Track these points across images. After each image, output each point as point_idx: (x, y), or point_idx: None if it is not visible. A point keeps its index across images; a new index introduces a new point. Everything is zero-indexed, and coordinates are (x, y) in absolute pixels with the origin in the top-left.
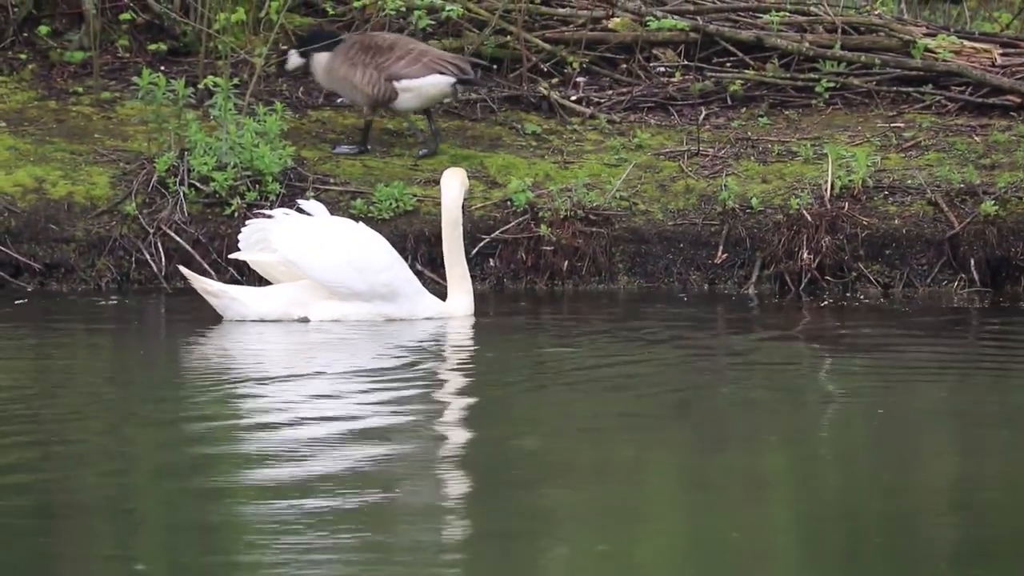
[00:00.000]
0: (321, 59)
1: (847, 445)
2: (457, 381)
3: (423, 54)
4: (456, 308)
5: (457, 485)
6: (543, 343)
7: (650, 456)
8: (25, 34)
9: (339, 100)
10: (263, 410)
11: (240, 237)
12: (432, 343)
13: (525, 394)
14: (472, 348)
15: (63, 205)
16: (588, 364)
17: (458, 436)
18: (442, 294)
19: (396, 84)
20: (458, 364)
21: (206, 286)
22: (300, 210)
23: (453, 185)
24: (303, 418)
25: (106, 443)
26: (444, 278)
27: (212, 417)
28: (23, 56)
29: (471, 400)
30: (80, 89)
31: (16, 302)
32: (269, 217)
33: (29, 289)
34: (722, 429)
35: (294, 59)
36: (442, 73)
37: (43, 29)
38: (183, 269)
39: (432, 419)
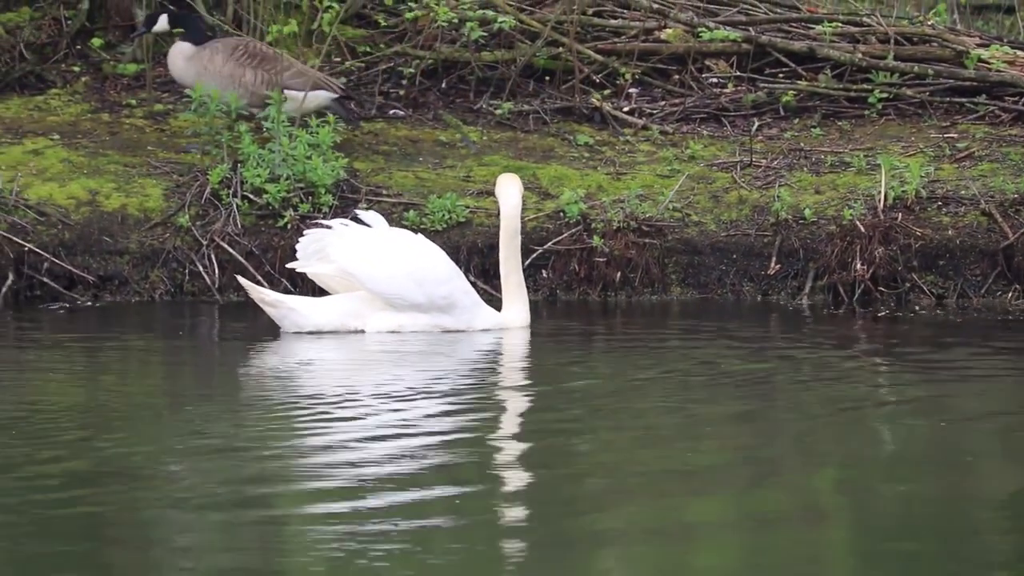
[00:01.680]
0: (184, 49)
1: (911, 457)
2: (515, 393)
3: (306, 70)
4: (513, 319)
5: (515, 499)
6: (598, 355)
7: (707, 469)
8: (78, 47)
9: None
10: (321, 424)
11: (298, 248)
12: (489, 355)
13: (582, 408)
14: (529, 360)
15: (116, 217)
16: (643, 376)
17: (515, 450)
18: (496, 305)
19: (285, 92)
20: (516, 376)
21: (263, 296)
22: (358, 220)
23: (512, 192)
24: (361, 435)
25: (162, 460)
26: (498, 289)
27: (270, 434)
28: (76, 69)
29: (528, 414)
30: (133, 101)
31: (57, 311)
32: (327, 228)
33: (82, 301)
34: (779, 441)
35: (163, 24)
36: (324, 89)
37: (96, 41)
38: (241, 279)
39: (490, 433)
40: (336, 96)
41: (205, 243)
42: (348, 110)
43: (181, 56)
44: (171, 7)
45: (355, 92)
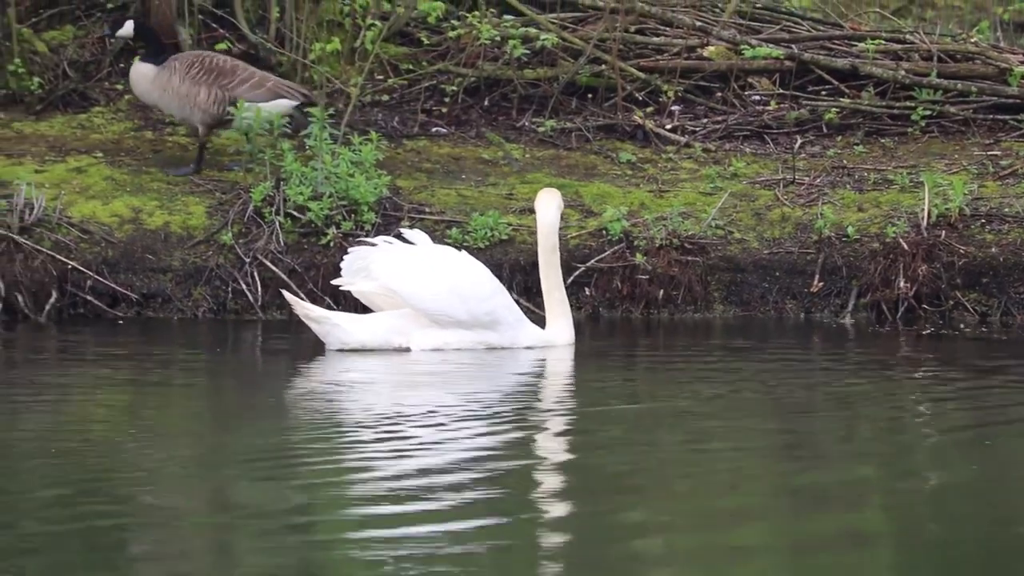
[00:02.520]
0: (145, 70)
1: (956, 477)
2: (559, 414)
3: (265, 79)
4: (557, 336)
5: (557, 522)
6: (642, 374)
7: (751, 491)
8: (122, 65)
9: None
10: (364, 443)
11: (342, 265)
12: (533, 374)
13: (626, 428)
14: (573, 379)
15: (160, 235)
16: (686, 396)
17: (559, 471)
18: (539, 322)
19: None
20: (560, 396)
21: (308, 312)
22: (402, 238)
23: (550, 209)
24: (404, 454)
25: (203, 478)
26: (540, 307)
27: (313, 452)
28: (120, 87)
29: (572, 435)
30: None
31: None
32: (372, 245)
33: (126, 318)
34: (823, 463)
35: (127, 30)
36: (285, 97)
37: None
38: (286, 295)
39: (533, 454)
40: (297, 103)
41: (248, 261)
42: (303, 117)
43: (144, 78)
44: (131, 17)
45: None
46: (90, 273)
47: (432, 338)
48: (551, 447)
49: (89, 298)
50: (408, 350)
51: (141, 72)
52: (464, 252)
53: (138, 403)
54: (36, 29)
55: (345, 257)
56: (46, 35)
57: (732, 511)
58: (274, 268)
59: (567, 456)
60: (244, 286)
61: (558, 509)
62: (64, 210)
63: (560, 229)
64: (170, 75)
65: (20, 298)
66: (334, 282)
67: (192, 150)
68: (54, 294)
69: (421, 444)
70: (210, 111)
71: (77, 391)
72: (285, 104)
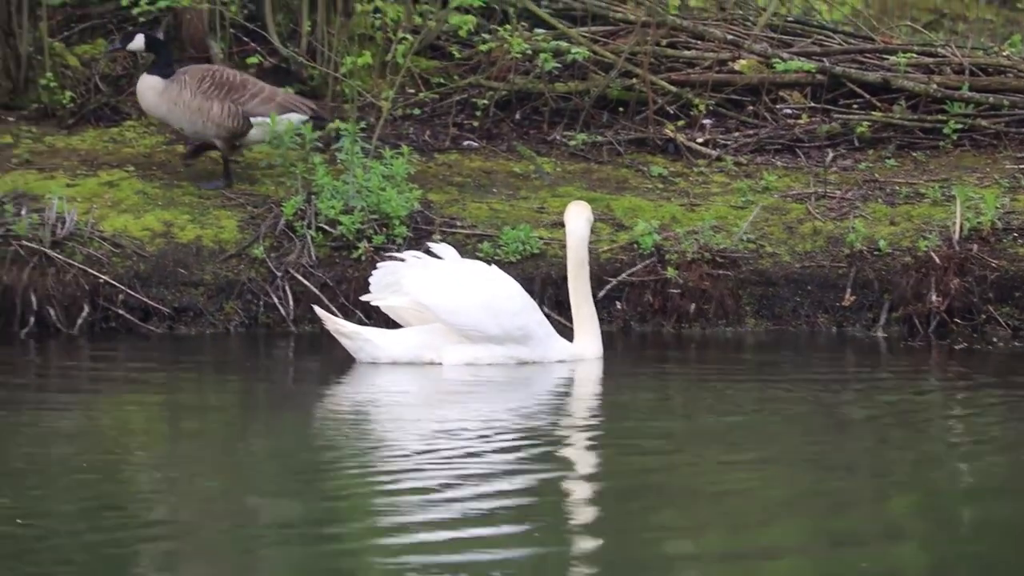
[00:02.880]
0: (153, 82)
1: (988, 490)
2: (590, 428)
3: (275, 93)
4: (585, 351)
5: (590, 532)
6: (674, 387)
7: (782, 505)
8: None
9: (177, 127)
10: (396, 458)
11: (371, 280)
12: (564, 388)
13: (657, 443)
14: (604, 393)
15: (191, 249)
16: (718, 408)
17: (590, 484)
18: (568, 335)
19: (252, 120)
20: (591, 410)
21: (340, 327)
22: (430, 253)
23: (579, 223)
24: (436, 468)
25: (239, 493)
26: (571, 320)
27: (343, 467)
28: None
29: (603, 448)
30: None
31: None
32: (400, 260)
33: (158, 332)
34: (855, 478)
35: (138, 43)
36: (296, 111)
37: None
38: (317, 310)
39: (566, 467)
40: (307, 118)
41: (280, 274)
42: (326, 120)
43: (152, 91)
44: (146, 30)
45: (324, 109)
46: (122, 287)
47: (463, 353)
48: (582, 462)
49: (121, 312)
50: (439, 365)
51: (149, 84)
52: (494, 266)
53: (169, 417)
54: (68, 43)
55: (374, 272)
56: (78, 49)
57: (763, 525)
58: (306, 282)
59: (598, 471)
60: (276, 300)
61: (589, 524)
62: (96, 224)
63: (591, 243)
64: (180, 89)
65: (52, 312)
66: (364, 297)
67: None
68: (86, 308)
69: (452, 459)
70: (225, 125)
71: (109, 405)
72: (295, 119)
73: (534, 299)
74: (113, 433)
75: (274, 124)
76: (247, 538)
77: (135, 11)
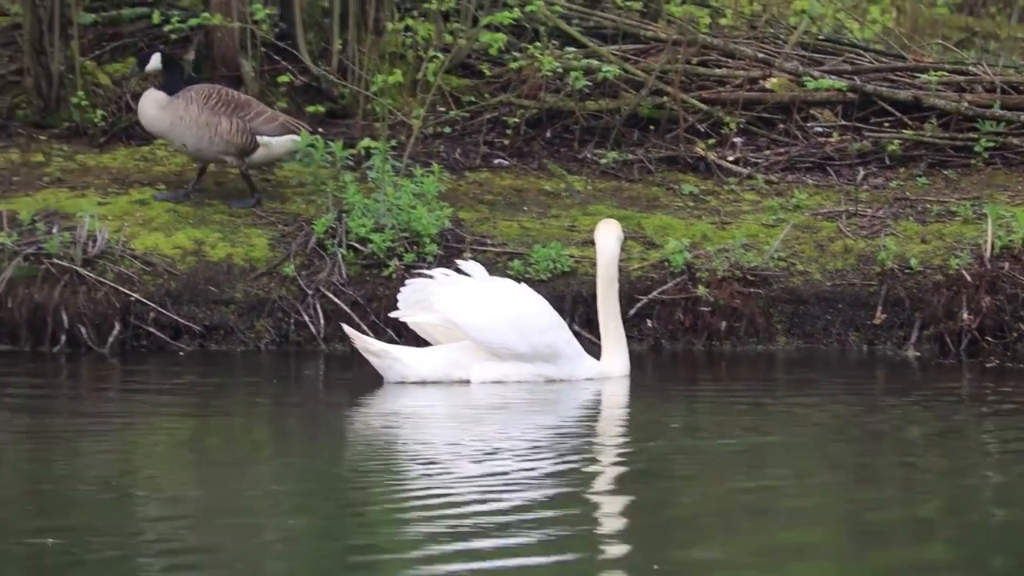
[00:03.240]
0: (157, 96)
1: (1021, 510)
2: (620, 445)
3: (277, 115)
4: (612, 368)
5: (618, 554)
6: (704, 405)
7: (813, 529)
8: None
9: (157, 141)
10: (424, 477)
11: (399, 297)
12: (593, 406)
13: (688, 460)
14: (635, 411)
15: (222, 267)
16: (748, 428)
17: (622, 502)
18: (596, 353)
19: (257, 138)
20: (620, 429)
21: (368, 346)
22: (459, 271)
23: (609, 241)
24: (468, 487)
25: (268, 513)
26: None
27: (372, 485)
28: None
29: (634, 467)
30: None
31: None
32: (429, 277)
33: (188, 350)
34: (887, 498)
35: (155, 63)
36: (296, 133)
37: None
38: (346, 328)
39: (596, 486)
40: None
41: (310, 292)
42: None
43: (155, 105)
44: (162, 48)
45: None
46: (153, 305)
47: (492, 371)
48: (610, 481)
49: (152, 330)
50: (468, 383)
51: (152, 98)
52: (523, 284)
53: (199, 436)
54: (99, 62)
55: (403, 289)
56: (109, 68)
57: (795, 546)
58: (336, 300)
59: (626, 490)
60: (306, 318)
61: (618, 543)
62: (127, 242)
63: (622, 261)
64: (187, 104)
65: (83, 330)
66: (392, 314)
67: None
68: (117, 326)
69: (480, 478)
70: (234, 141)
71: (140, 423)
72: (296, 140)
73: (564, 317)
74: (144, 452)
75: (305, 140)
76: (276, 557)
77: (166, 29)
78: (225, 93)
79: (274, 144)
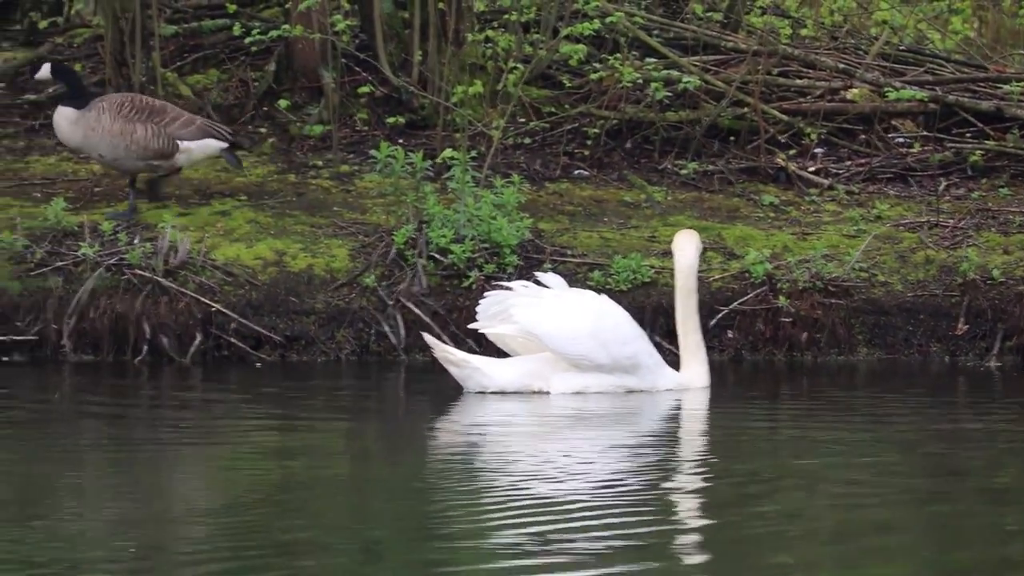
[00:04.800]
0: (67, 113)
1: None
2: (701, 458)
3: (193, 119)
4: (692, 379)
5: (698, 562)
6: (785, 418)
7: (896, 545)
8: (265, 108)
9: (82, 156)
10: (503, 490)
11: (478, 309)
12: (674, 417)
13: (762, 474)
14: (715, 423)
15: (303, 278)
16: (827, 438)
17: (698, 519)
18: (675, 364)
19: (176, 143)
20: (702, 440)
21: (448, 355)
22: (538, 283)
23: (688, 251)
24: (548, 499)
25: (351, 524)
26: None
27: (453, 496)
28: (263, 130)
29: (715, 480)
30: (319, 162)
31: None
32: (508, 289)
33: (269, 361)
34: (969, 519)
35: (44, 72)
36: (215, 138)
37: (283, 103)
38: (427, 337)
39: (677, 498)
40: (226, 144)
41: (391, 303)
42: (236, 158)
43: (66, 121)
44: (54, 58)
45: (239, 136)
46: (234, 315)
47: (572, 382)
48: (691, 492)
49: (233, 341)
50: (547, 394)
51: (63, 115)
52: (604, 296)
53: (281, 446)
54: (180, 73)
55: (482, 301)
56: (190, 79)
57: (876, 559)
58: (417, 311)
59: (708, 501)
60: (387, 328)
61: (700, 554)
62: (208, 253)
63: (703, 272)
64: (98, 115)
65: (165, 340)
66: (471, 325)
67: (334, 193)
68: (198, 336)
69: (561, 489)
70: (151, 147)
71: (222, 433)
72: (214, 144)
73: (645, 328)
74: (225, 463)
75: (384, 151)
76: (359, 571)
77: (247, 41)
78: (139, 100)
79: (194, 148)
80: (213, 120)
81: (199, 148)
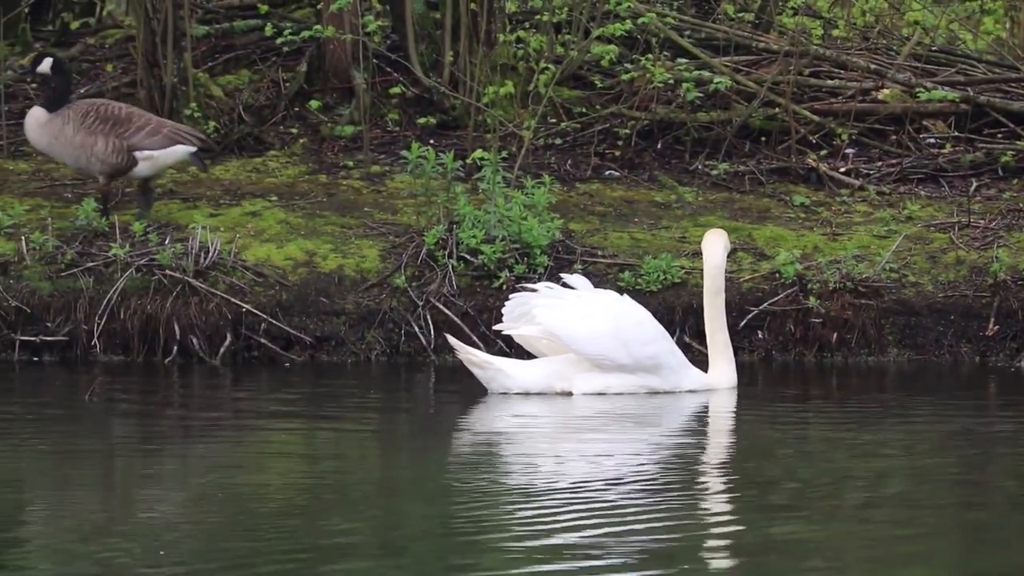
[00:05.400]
0: (38, 115)
1: None
2: (727, 460)
3: (162, 125)
4: (719, 380)
5: (725, 565)
6: (814, 419)
7: (927, 552)
8: (296, 109)
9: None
10: (526, 492)
11: (503, 310)
12: (699, 418)
13: (787, 479)
14: (741, 424)
15: (333, 278)
16: (857, 439)
17: (720, 522)
18: (702, 365)
19: (137, 154)
20: (728, 442)
21: (471, 356)
22: (563, 284)
23: (716, 251)
24: (572, 500)
25: (380, 525)
26: None
27: (477, 498)
28: (294, 130)
29: (741, 483)
30: (350, 163)
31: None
32: (532, 291)
33: (299, 361)
34: (1002, 524)
35: (45, 66)
36: (183, 143)
37: (314, 104)
38: (451, 339)
39: (699, 501)
40: (195, 149)
41: (421, 304)
42: (202, 160)
43: (36, 123)
44: (51, 55)
45: (215, 140)
46: (264, 316)
47: (595, 382)
48: (717, 492)
49: (263, 341)
50: (570, 394)
51: (34, 116)
52: (626, 296)
53: (311, 446)
54: (212, 74)
55: (506, 302)
56: (222, 80)
57: (905, 559)
58: (447, 311)
59: (732, 508)
60: (417, 329)
61: (726, 557)
62: (238, 253)
63: (733, 272)
64: (63, 124)
65: (195, 341)
66: (496, 327)
67: (365, 194)
68: (228, 337)
69: (584, 491)
70: (109, 161)
71: (252, 433)
72: (183, 150)
73: (675, 329)
74: (254, 464)
75: (415, 151)
76: (387, 571)
77: (279, 41)
78: (104, 109)
79: (158, 156)
80: (182, 126)
81: (164, 156)
